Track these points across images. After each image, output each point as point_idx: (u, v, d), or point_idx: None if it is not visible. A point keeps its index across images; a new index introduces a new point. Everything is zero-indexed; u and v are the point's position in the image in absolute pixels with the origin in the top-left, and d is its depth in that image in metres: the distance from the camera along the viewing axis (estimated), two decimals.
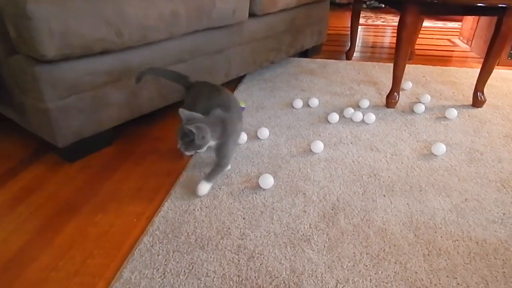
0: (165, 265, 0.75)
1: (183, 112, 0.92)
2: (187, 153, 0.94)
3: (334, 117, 1.35)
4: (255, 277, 0.73)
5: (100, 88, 1.10)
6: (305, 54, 2.18)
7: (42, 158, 1.16)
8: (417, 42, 2.25)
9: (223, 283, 0.71)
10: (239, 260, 0.76)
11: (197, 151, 0.93)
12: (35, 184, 1.03)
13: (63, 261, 0.78)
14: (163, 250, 0.79)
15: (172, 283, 0.71)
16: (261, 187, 0.99)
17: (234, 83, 1.72)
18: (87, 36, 0.97)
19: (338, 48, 2.43)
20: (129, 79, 1.16)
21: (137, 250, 0.79)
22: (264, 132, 1.24)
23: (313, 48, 2.18)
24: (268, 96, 1.60)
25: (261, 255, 0.78)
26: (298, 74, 1.87)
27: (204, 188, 0.96)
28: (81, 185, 1.03)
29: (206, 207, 0.92)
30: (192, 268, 0.75)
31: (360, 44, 2.55)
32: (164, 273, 0.73)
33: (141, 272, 0.74)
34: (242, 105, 1.45)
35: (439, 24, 3.26)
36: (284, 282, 0.72)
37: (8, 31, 0.94)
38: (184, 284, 0.71)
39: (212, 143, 0.96)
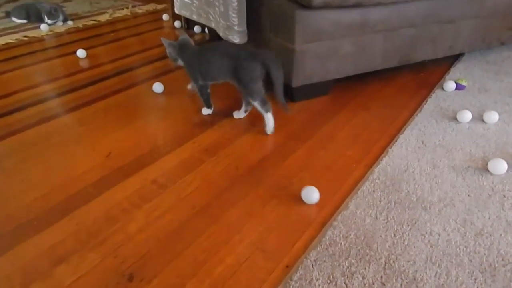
0: (388, 211, 0.80)
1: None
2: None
3: None
4: (484, 254, 0.70)
5: (336, 40, 1.17)
6: None
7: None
8: None
9: (448, 246, 0.71)
10: (465, 232, 0.74)
11: (175, 62, 1.14)
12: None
13: (295, 178, 0.91)
14: (384, 198, 0.83)
15: (395, 229, 0.75)
16: (489, 171, 0.91)
17: (449, 60, 1.58)
18: None
19: None
20: (362, 35, 1.19)
21: (360, 190, 0.86)
22: (493, 116, 1.11)
23: None
24: (493, 79, 1.41)
25: (491, 235, 0.74)
26: None
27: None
28: (301, 123, 1.16)
29: (426, 173, 0.91)
30: (415, 223, 0.77)
31: None
32: (387, 218, 0.78)
33: (365, 210, 0.80)
34: (464, 83, 1.32)
35: None
36: None
37: None
38: (408, 234, 0.74)
39: (180, 61, 1.13)
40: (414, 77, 1.44)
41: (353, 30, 1.17)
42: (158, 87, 1.32)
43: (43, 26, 1.95)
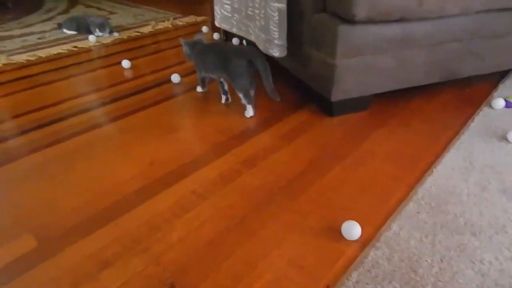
0: (434, 235, 0.76)
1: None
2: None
3: None
4: None
5: (378, 54, 1.15)
6: None
7: (303, 108, 1.33)
8: None
9: (500, 277, 0.67)
10: None
11: (189, 58, 1.35)
12: (301, 128, 1.20)
13: (335, 195, 0.90)
14: (430, 220, 0.80)
15: (442, 254, 0.72)
16: None
17: (497, 76, 1.51)
18: (393, 2, 1.02)
19: None
20: (404, 50, 1.17)
21: (403, 211, 0.83)
22: None
23: None
24: None
25: None
26: None
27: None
28: (340, 137, 1.14)
29: (474, 196, 0.87)
30: (464, 249, 0.73)
31: None
32: (433, 242, 0.75)
33: (409, 232, 0.77)
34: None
35: None
36: None
37: None
38: (456, 260, 0.71)
39: (192, 56, 1.33)
40: (458, 94, 1.38)
41: (395, 45, 1.15)
42: (175, 78, 1.55)
43: (91, 37, 2.06)
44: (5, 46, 2.01)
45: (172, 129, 1.21)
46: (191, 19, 2.48)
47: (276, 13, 1.21)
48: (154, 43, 2.08)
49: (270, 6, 1.22)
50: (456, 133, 1.14)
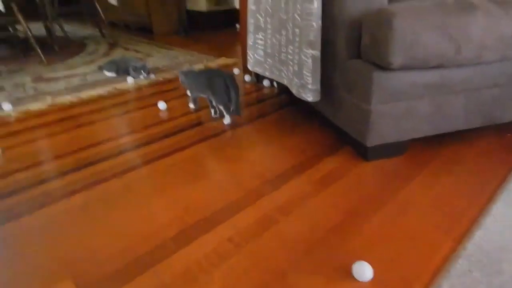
0: None
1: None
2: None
3: None
4: None
5: (413, 100, 1.14)
6: None
7: (337, 152, 1.32)
8: None
9: None
10: None
11: (184, 85, 1.69)
12: (336, 173, 1.18)
13: (377, 248, 0.86)
14: (484, 280, 0.75)
15: None
16: None
17: None
18: (429, 51, 1.02)
19: None
20: (441, 95, 1.15)
21: (453, 268, 0.78)
22: None
23: None
24: None
25: None
26: None
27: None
28: (377, 184, 1.11)
29: None
30: None
31: None
32: None
33: None
34: None
35: None
36: None
37: (361, 39, 1.11)
38: None
39: (185, 83, 1.67)
40: (499, 139, 1.33)
41: (432, 91, 1.14)
42: (192, 105, 1.78)
43: (129, 79, 2.18)
44: (51, 87, 2.15)
45: (206, 172, 1.22)
46: (223, 61, 2.58)
47: (310, 60, 1.24)
48: None
49: (304, 53, 1.25)
50: (501, 182, 1.09)
